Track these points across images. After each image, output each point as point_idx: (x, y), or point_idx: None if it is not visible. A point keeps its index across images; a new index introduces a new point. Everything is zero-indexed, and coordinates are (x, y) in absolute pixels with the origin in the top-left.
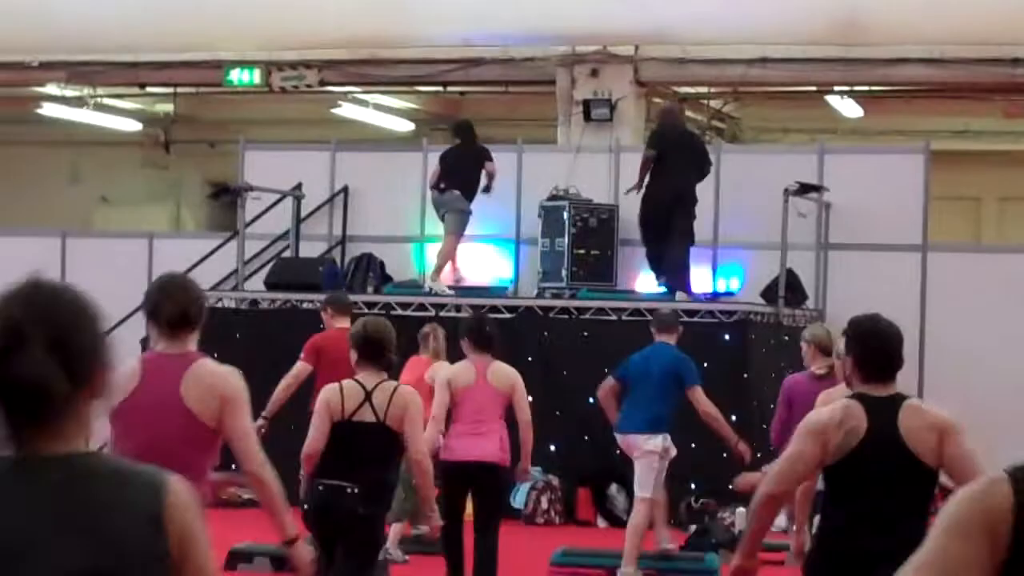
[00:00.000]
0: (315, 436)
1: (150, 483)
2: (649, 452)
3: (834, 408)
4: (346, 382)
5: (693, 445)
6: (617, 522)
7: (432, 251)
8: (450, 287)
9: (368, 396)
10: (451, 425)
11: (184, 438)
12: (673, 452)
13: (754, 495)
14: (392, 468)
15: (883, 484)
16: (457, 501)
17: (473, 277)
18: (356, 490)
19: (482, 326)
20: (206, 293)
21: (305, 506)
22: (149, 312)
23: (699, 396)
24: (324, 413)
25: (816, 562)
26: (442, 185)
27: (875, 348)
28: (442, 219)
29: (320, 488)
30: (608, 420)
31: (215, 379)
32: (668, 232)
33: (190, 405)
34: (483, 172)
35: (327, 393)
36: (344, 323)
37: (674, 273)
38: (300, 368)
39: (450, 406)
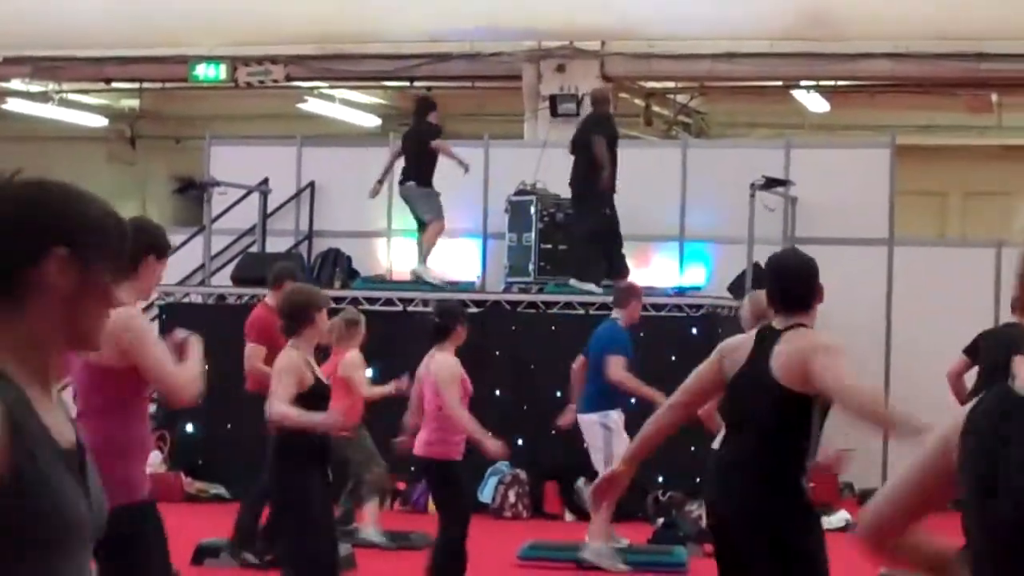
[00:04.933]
0: (285, 408)
1: None
2: (585, 429)
3: (740, 335)
4: (294, 352)
5: None
6: (585, 516)
7: (399, 246)
8: (398, 281)
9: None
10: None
11: (85, 385)
12: (613, 427)
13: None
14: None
15: (745, 411)
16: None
17: (439, 272)
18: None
19: (432, 319)
20: (173, 288)
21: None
22: None
23: (611, 366)
24: (294, 383)
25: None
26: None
27: (772, 280)
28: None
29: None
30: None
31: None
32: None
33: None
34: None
35: (295, 362)
36: (271, 298)
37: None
38: (253, 350)
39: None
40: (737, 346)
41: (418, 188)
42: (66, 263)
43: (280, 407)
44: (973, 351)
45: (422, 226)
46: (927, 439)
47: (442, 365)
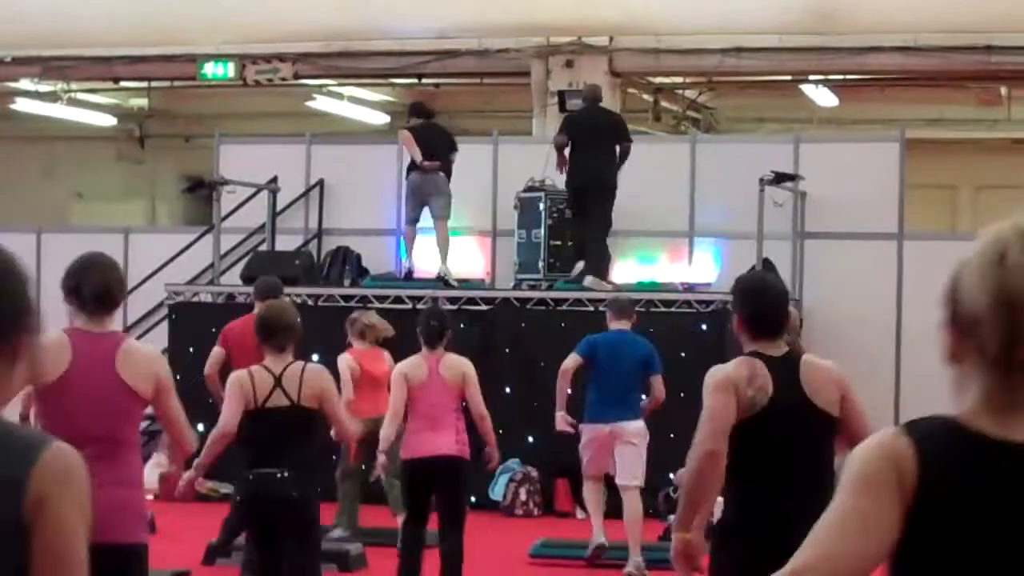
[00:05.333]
0: (227, 417)
1: (23, 447)
2: (638, 438)
3: (735, 364)
4: (254, 368)
5: (672, 435)
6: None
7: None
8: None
9: (278, 380)
10: (408, 422)
11: (123, 414)
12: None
13: (690, 461)
14: (314, 448)
15: (796, 443)
16: (420, 500)
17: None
18: (285, 474)
19: (429, 320)
20: (183, 287)
21: (238, 498)
22: (71, 288)
23: (660, 385)
24: (238, 395)
25: (734, 528)
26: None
27: (764, 305)
28: (426, 202)
29: (251, 478)
30: (560, 402)
31: (150, 359)
32: (585, 218)
33: (129, 382)
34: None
35: (238, 378)
36: (261, 308)
37: (593, 262)
38: (216, 353)
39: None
40: (749, 375)
41: (447, 185)
42: None
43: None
44: None
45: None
46: (851, 484)
47: (467, 365)
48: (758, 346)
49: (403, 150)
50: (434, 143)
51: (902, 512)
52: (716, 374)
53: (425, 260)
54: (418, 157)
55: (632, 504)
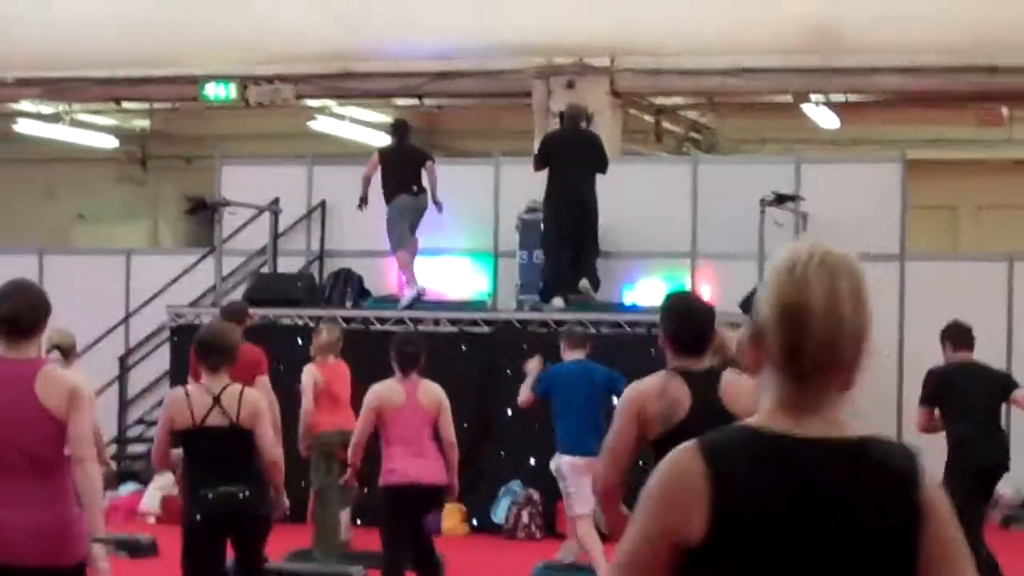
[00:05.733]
0: (159, 447)
1: None
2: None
3: (651, 379)
4: (191, 388)
5: None
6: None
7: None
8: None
9: (216, 400)
10: (384, 448)
11: (44, 437)
12: None
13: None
14: (253, 465)
15: None
16: (402, 527)
17: (451, 291)
18: (247, 493)
19: (405, 346)
20: (185, 309)
21: (197, 517)
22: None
23: None
24: (166, 424)
25: None
26: (415, 188)
27: (687, 322)
28: (415, 224)
29: (211, 496)
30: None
31: (68, 380)
32: (575, 239)
33: (47, 404)
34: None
35: (174, 397)
36: None
37: (590, 274)
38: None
39: (376, 427)
40: (658, 391)
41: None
42: None
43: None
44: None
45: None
46: (643, 503)
47: (442, 393)
48: (680, 362)
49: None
50: (401, 164)
51: (695, 529)
52: (627, 392)
53: (422, 280)
54: (363, 193)
55: (589, 528)
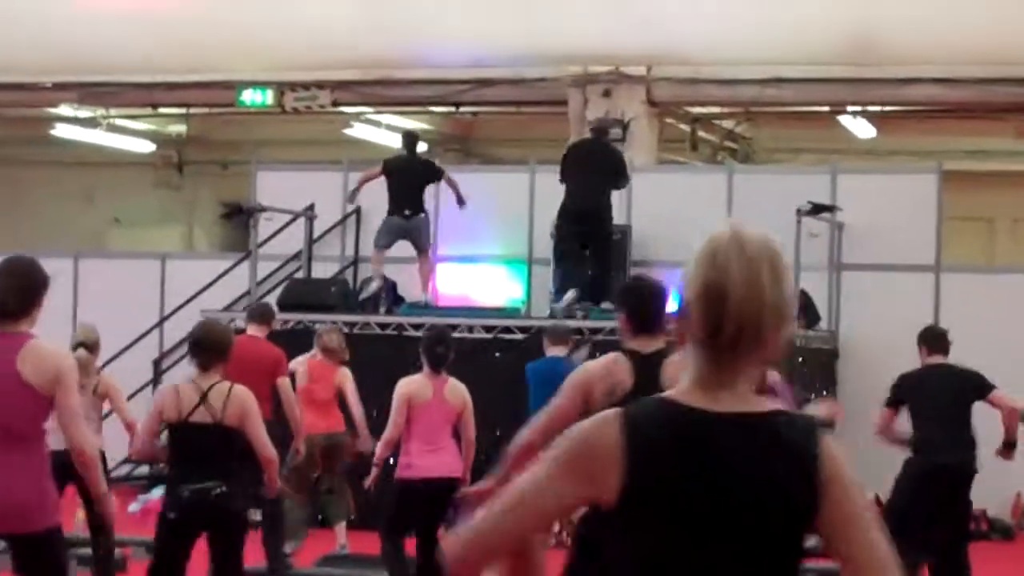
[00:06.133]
0: (142, 438)
1: None
2: None
3: (599, 360)
4: (181, 383)
5: None
6: None
7: (445, 271)
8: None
9: (204, 397)
10: (405, 443)
11: (23, 409)
12: None
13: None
14: (237, 463)
15: None
16: (410, 518)
17: (485, 298)
18: (223, 489)
19: (436, 346)
20: (219, 313)
21: (171, 515)
22: None
23: None
24: (154, 415)
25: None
26: (407, 212)
27: (640, 303)
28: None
29: (187, 493)
30: None
31: (54, 356)
32: (581, 253)
33: (30, 379)
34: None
35: (163, 391)
36: (254, 330)
37: (592, 289)
38: None
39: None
40: (604, 373)
41: (426, 218)
42: None
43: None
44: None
45: (421, 253)
46: (545, 459)
47: (466, 392)
48: (635, 343)
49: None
50: (404, 181)
51: (601, 497)
52: (576, 372)
53: (455, 287)
54: (353, 190)
55: None
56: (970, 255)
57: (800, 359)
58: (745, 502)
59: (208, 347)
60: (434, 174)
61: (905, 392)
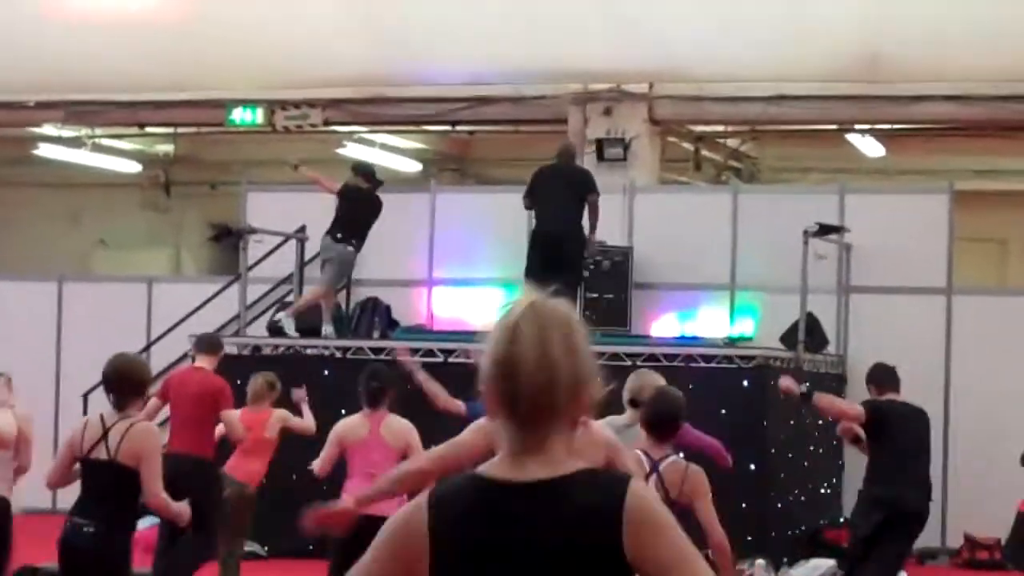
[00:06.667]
0: (53, 467)
1: None
2: None
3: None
4: (91, 417)
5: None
6: None
7: (440, 295)
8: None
9: (105, 433)
10: (345, 482)
11: None
12: None
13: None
14: (129, 507)
15: None
16: (348, 560)
17: (481, 322)
18: (92, 528)
19: (369, 381)
20: None
21: (59, 550)
22: None
23: None
24: (66, 447)
25: None
26: (339, 236)
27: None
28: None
29: (67, 524)
30: None
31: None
32: (550, 273)
33: None
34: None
35: (78, 425)
36: (202, 361)
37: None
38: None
39: (338, 460)
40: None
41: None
42: None
43: (164, 494)
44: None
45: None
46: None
47: (411, 431)
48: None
49: (435, 199)
50: (358, 211)
51: (424, 567)
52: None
53: (452, 311)
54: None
55: None
56: (982, 277)
57: (806, 384)
58: (537, 567)
59: (119, 383)
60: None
61: (880, 416)
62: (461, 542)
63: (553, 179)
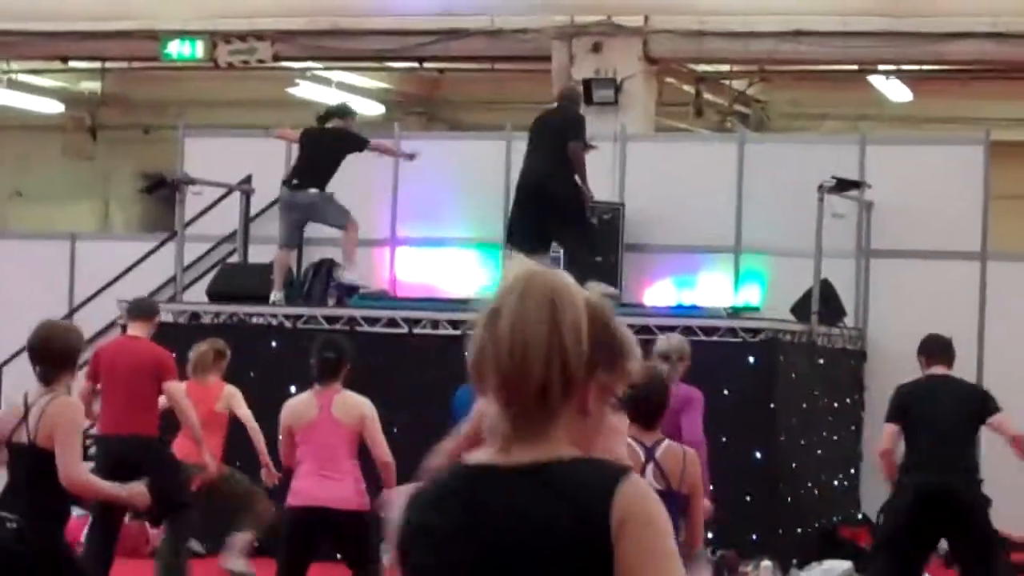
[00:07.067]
0: None
1: None
2: None
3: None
4: (17, 397)
5: (711, 488)
6: None
7: (405, 256)
8: (408, 298)
9: (26, 413)
10: (296, 467)
11: None
12: None
13: None
14: (54, 495)
15: None
16: (299, 555)
17: (452, 287)
18: (14, 523)
19: (323, 351)
20: None
21: None
22: None
23: None
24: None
25: None
26: (295, 182)
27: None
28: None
29: None
30: None
31: None
32: (537, 230)
33: None
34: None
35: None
36: (135, 329)
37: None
38: (82, 387)
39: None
40: None
41: (320, 195)
42: None
43: (87, 475)
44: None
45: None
46: None
47: (366, 405)
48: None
49: (399, 146)
50: (317, 152)
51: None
52: None
53: (418, 275)
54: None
55: None
56: (1021, 240)
57: (821, 361)
58: (509, 552)
59: (44, 354)
60: (351, 143)
61: (900, 405)
62: (421, 528)
63: (541, 125)
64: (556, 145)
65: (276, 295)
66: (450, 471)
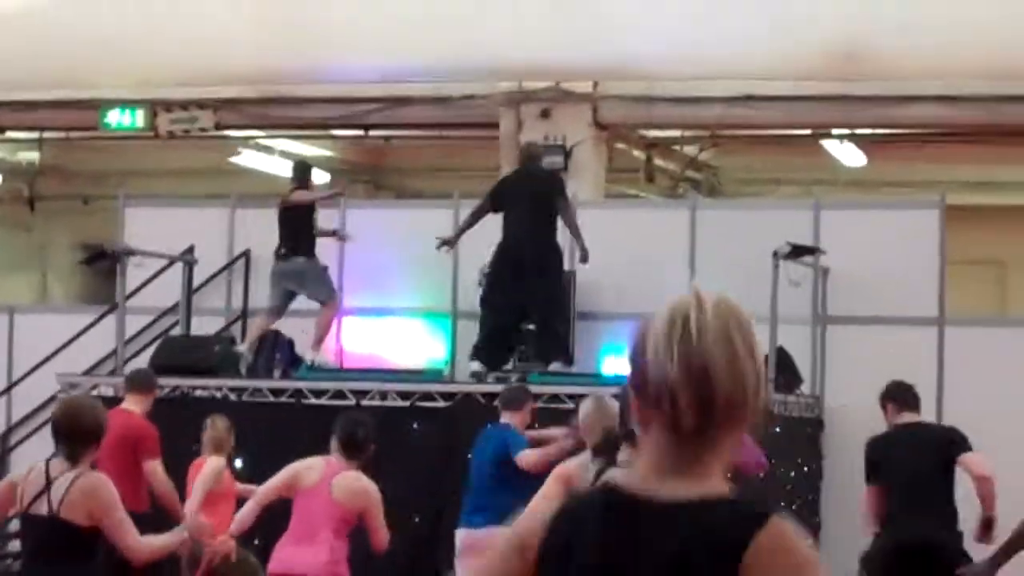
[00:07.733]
0: None
1: None
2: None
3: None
4: (36, 465)
5: None
6: None
7: (352, 327)
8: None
9: (48, 485)
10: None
11: None
12: None
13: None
14: (81, 569)
15: None
16: None
17: (400, 358)
18: None
19: (356, 428)
20: (79, 378)
21: None
22: None
23: (529, 458)
24: (2, 502)
25: None
26: (283, 250)
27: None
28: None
29: None
30: None
31: None
32: (522, 303)
33: None
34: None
35: (11, 476)
36: (131, 403)
37: (554, 346)
38: None
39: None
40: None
41: (308, 263)
42: None
43: (147, 543)
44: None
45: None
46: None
47: (372, 491)
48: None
49: (344, 215)
50: (287, 219)
51: (532, 564)
52: (559, 467)
53: (365, 346)
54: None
55: None
56: (978, 305)
57: (777, 430)
58: None
59: (73, 432)
60: (305, 208)
61: (875, 457)
62: (558, 548)
63: (518, 190)
64: (542, 208)
65: (242, 347)
66: (603, 499)
